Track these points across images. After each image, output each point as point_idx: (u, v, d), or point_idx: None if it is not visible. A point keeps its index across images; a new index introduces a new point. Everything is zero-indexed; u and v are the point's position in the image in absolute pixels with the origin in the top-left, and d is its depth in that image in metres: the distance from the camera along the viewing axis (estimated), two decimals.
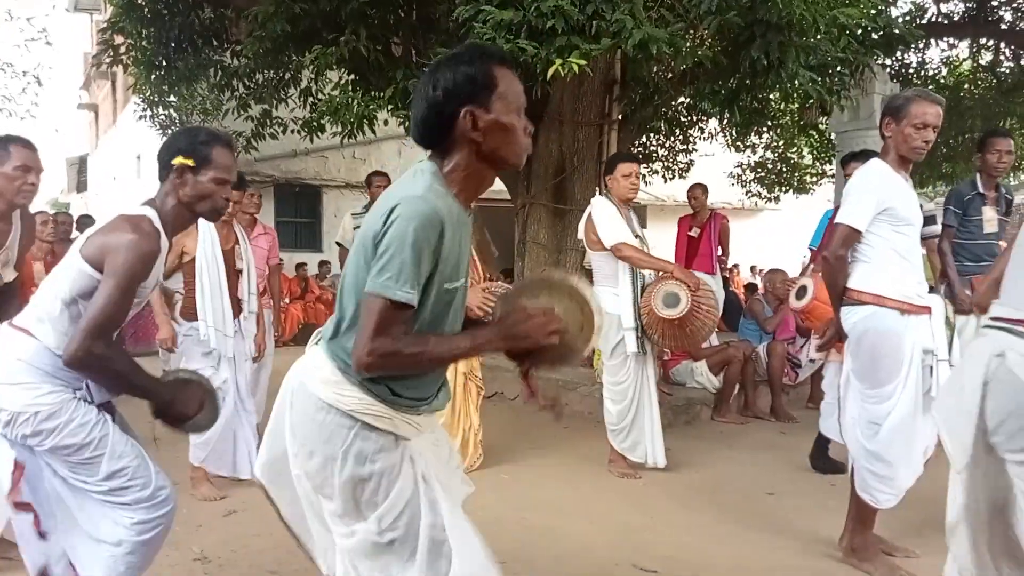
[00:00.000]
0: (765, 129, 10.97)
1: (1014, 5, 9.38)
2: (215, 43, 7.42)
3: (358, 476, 1.58)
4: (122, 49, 7.62)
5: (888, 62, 8.85)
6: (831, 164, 11.73)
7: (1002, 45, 9.99)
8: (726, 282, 12.19)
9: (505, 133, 1.56)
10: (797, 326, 5.74)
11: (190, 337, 3.82)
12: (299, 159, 12.25)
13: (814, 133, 11.69)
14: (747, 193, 13.48)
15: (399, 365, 1.54)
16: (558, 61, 4.36)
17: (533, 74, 4.65)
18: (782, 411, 5.63)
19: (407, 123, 5.96)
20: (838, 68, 5.85)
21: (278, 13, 5.67)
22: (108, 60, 7.82)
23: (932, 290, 3.11)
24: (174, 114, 9.77)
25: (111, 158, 19.13)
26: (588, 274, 7.00)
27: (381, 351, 1.48)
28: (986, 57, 10.60)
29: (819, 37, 5.15)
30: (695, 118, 9.94)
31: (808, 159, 12.78)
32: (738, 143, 11.76)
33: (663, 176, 11.08)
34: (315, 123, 6.67)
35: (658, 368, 4.94)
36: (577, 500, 3.80)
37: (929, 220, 4.62)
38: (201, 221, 3.91)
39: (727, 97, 6.22)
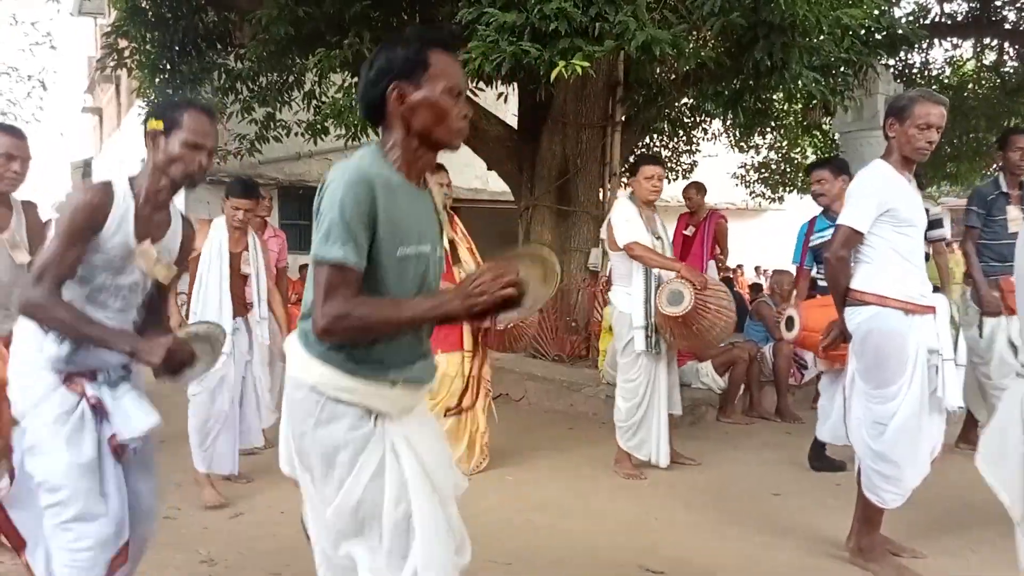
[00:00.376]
0: (769, 130, 10.97)
1: (1018, 5, 9.36)
2: (219, 47, 7.44)
3: (326, 450, 1.59)
4: (126, 53, 7.64)
5: (892, 62, 8.85)
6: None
7: (1006, 45, 9.97)
8: (729, 282, 12.20)
9: (435, 112, 1.59)
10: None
11: None
12: (303, 162, 12.26)
13: (818, 133, 11.68)
14: (751, 194, 13.48)
15: (355, 328, 1.54)
16: (561, 63, 4.37)
17: (537, 76, 4.66)
18: (787, 411, 5.62)
19: None
20: (841, 69, 5.85)
21: (281, 16, 5.69)
22: (112, 64, 7.84)
23: (937, 290, 3.11)
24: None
25: (116, 161, 19.20)
26: (593, 275, 7.07)
27: (332, 314, 1.51)
28: (990, 57, 10.58)
29: (822, 38, 5.15)
30: (698, 119, 9.94)
31: (812, 159, 12.77)
32: (742, 144, 11.77)
33: (667, 177, 11.07)
34: (319, 126, 6.69)
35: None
36: (582, 501, 3.80)
37: (935, 223, 4.60)
38: (215, 222, 3.99)
39: (730, 98, 6.21)
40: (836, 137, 9.86)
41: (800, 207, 14.65)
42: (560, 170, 7.09)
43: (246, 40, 6.69)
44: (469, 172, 11.61)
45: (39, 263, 1.96)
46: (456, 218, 4.29)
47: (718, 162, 12.81)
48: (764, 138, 11.88)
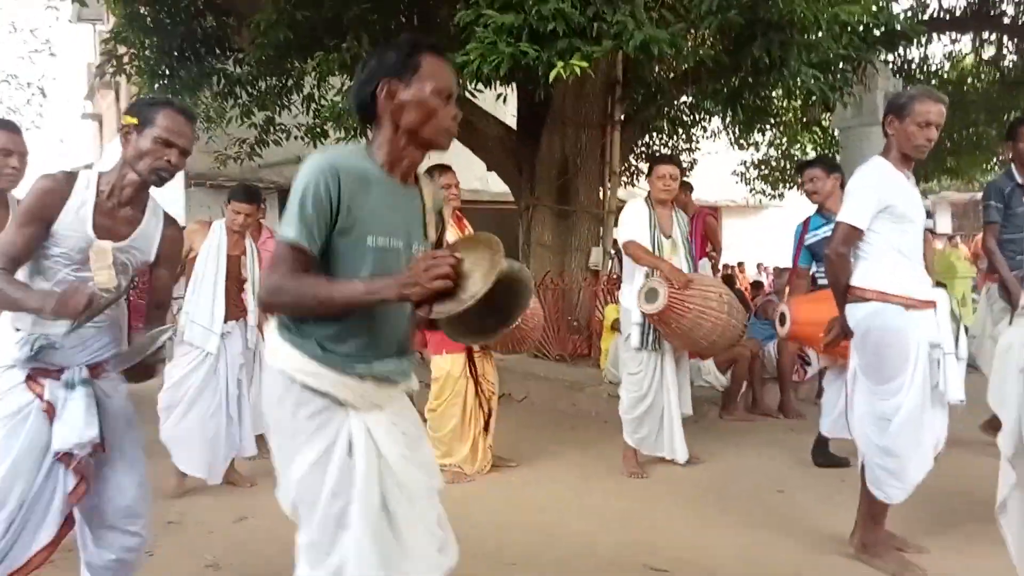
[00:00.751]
0: (768, 127, 10.96)
1: None
2: (218, 51, 7.46)
3: (284, 431, 1.64)
4: (125, 59, 7.66)
5: (890, 58, 8.84)
6: (836, 159, 11.71)
7: (1005, 39, 9.96)
8: (731, 280, 12.19)
9: (423, 111, 1.64)
10: None
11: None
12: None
13: (817, 130, 11.67)
14: (751, 191, 13.47)
15: (287, 302, 1.60)
16: (560, 64, 4.38)
17: (535, 77, 4.66)
18: (790, 408, 5.61)
19: None
20: (840, 65, 5.85)
21: (280, 20, 5.70)
22: (111, 70, 7.87)
23: (940, 285, 3.11)
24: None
25: None
26: (594, 274, 7.07)
27: (269, 286, 1.59)
28: (989, 51, 10.57)
29: (821, 34, 5.15)
30: (698, 117, 9.94)
31: (812, 156, 12.76)
32: (741, 141, 11.75)
33: None
34: (318, 129, 6.71)
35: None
36: (585, 500, 3.80)
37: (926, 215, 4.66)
38: (215, 224, 4.00)
39: (729, 96, 6.22)
40: (836, 133, 9.85)
41: (801, 204, 14.65)
42: (560, 170, 7.09)
43: (245, 44, 6.71)
44: (469, 173, 11.55)
45: None
46: (464, 220, 4.30)
47: (718, 160, 12.80)
48: (764, 135, 11.87)
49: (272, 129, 7.87)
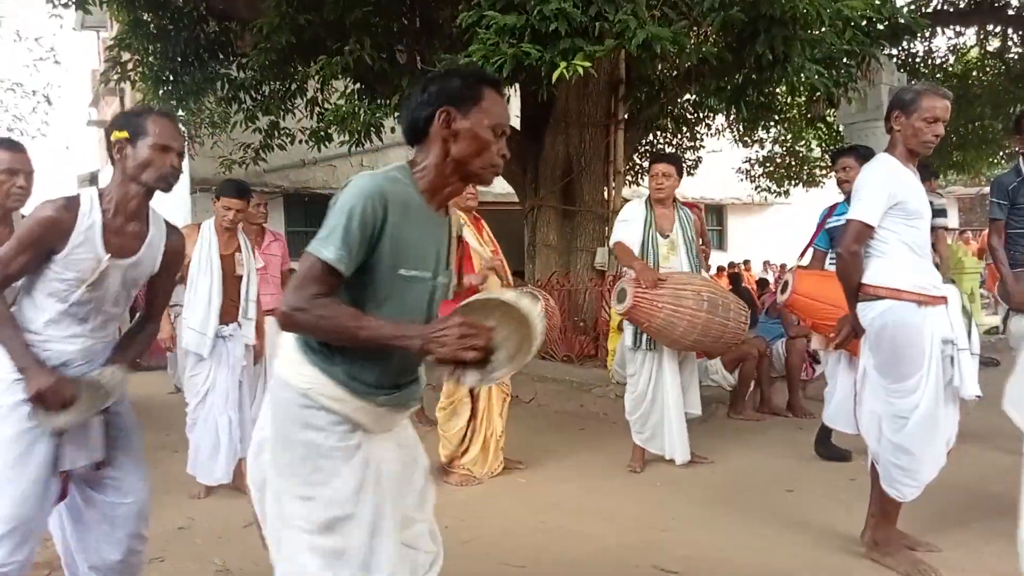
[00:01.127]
0: (772, 123, 10.92)
1: None
2: (221, 56, 7.48)
3: (309, 454, 1.60)
4: (129, 66, 7.69)
5: (894, 52, 8.80)
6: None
7: (1010, 31, 9.90)
8: (736, 278, 12.16)
9: (476, 144, 1.63)
10: None
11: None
12: (307, 169, 12.31)
13: (822, 126, 11.63)
14: (756, 188, 13.43)
15: (307, 325, 1.55)
16: (562, 64, 4.37)
17: (538, 77, 4.65)
18: (799, 407, 5.59)
19: None
20: (844, 60, 5.83)
21: (283, 25, 5.71)
22: (116, 77, 7.90)
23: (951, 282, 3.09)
24: (182, 128, 9.82)
25: None
26: (600, 275, 7.06)
27: (293, 303, 1.52)
28: (994, 44, 10.51)
29: (824, 30, 5.13)
30: (701, 115, 9.92)
31: (816, 152, 12.72)
32: (746, 138, 11.72)
33: None
34: (322, 133, 6.71)
35: None
36: (595, 501, 3.79)
37: (939, 213, 4.74)
38: (203, 226, 3.96)
39: (733, 93, 6.20)
40: (841, 129, 9.82)
41: (806, 200, 14.64)
42: (564, 170, 7.08)
43: (248, 49, 6.72)
44: None
45: None
46: (482, 222, 4.30)
47: (722, 157, 12.77)
48: (768, 132, 11.83)
49: (276, 133, 7.88)
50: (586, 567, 3.01)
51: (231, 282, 3.95)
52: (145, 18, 7.22)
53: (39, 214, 2.01)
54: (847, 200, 4.43)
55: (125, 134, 2.07)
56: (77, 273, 2.05)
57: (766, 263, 17.10)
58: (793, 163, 12.61)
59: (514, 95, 6.58)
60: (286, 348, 1.67)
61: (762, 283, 11.85)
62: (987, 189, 5.91)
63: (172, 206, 12.52)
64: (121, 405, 2.22)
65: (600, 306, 6.85)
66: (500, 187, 10.33)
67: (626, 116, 7.08)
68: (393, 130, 6.31)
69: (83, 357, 2.12)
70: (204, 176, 11.21)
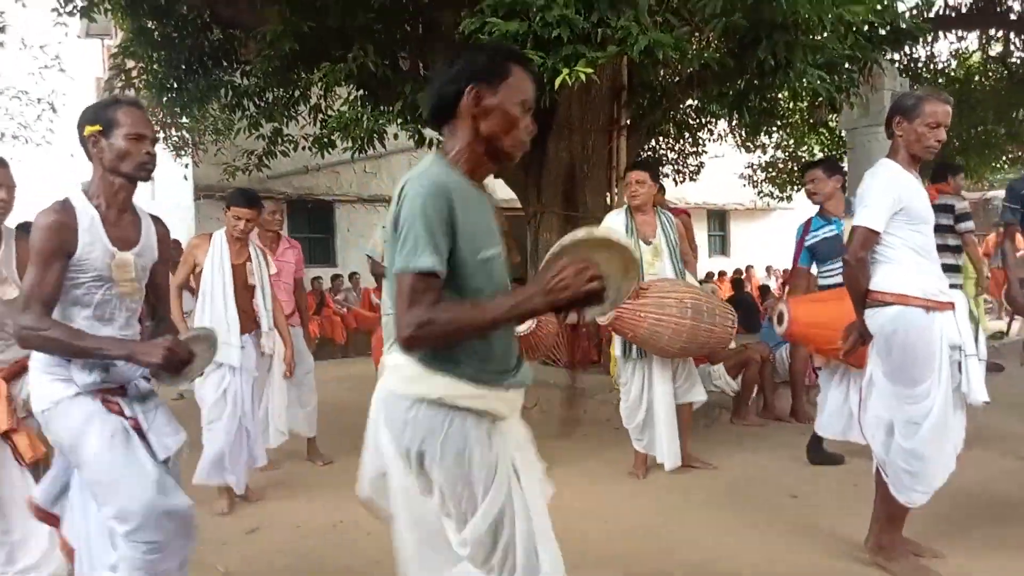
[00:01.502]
0: (775, 129, 10.94)
1: None
2: (225, 64, 7.50)
3: (455, 471, 1.58)
4: (134, 73, 7.73)
5: (897, 57, 8.81)
6: (843, 162, 11.66)
7: (1012, 36, 9.90)
8: (739, 284, 12.15)
9: (506, 120, 1.63)
10: None
11: None
12: (311, 175, 12.33)
13: (824, 131, 11.64)
14: (759, 193, 13.43)
15: (438, 334, 1.53)
16: (565, 70, 4.38)
17: (541, 84, 4.66)
18: (802, 413, 5.57)
19: (417, 136, 5.99)
20: (846, 65, 5.83)
21: (286, 32, 5.73)
22: (120, 84, 7.93)
23: (954, 286, 3.09)
24: (186, 135, 9.88)
25: None
26: None
27: (417, 322, 1.50)
28: (996, 48, 10.51)
29: (825, 35, 5.13)
30: (704, 120, 9.93)
31: (819, 157, 12.72)
32: (748, 144, 11.73)
33: (674, 180, 11.07)
34: (326, 139, 6.72)
35: None
36: (598, 507, 3.78)
37: (964, 217, 4.77)
38: (215, 236, 3.98)
39: (735, 98, 6.20)
40: (843, 134, 9.82)
41: (809, 205, 14.64)
42: (566, 176, 7.08)
43: (252, 57, 6.74)
44: None
45: (24, 292, 2.00)
46: None
47: (725, 163, 12.78)
48: (770, 137, 11.85)
49: (280, 140, 7.90)
50: (590, 572, 3.00)
51: (243, 291, 3.97)
52: (150, 26, 7.25)
53: (45, 222, 2.00)
54: (819, 213, 4.47)
55: (98, 127, 2.08)
56: (94, 272, 2.06)
57: (769, 268, 17.09)
58: (795, 168, 12.61)
59: None
60: (399, 367, 1.62)
61: (765, 289, 11.84)
62: (990, 194, 5.87)
63: (176, 213, 12.55)
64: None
65: None
66: (503, 193, 10.34)
67: (628, 122, 7.08)
68: (396, 136, 6.33)
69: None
70: (208, 183, 11.24)
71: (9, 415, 2.60)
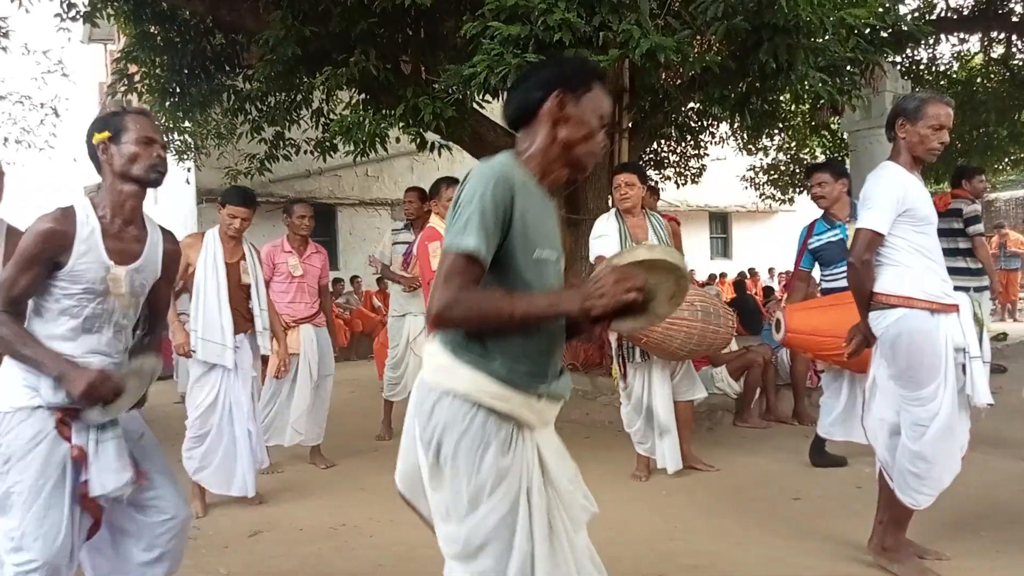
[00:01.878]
0: (777, 131, 10.92)
1: None
2: (227, 68, 7.52)
3: (466, 468, 1.55)
4: (136, 78, 7.74)
5: (898, 60, 8.81)
6: (845, 164, 11.66)
7: (1014, 38, 9.90)
8: (742, 286, 12.14)
9: (584, 130, 1.67)
10: None
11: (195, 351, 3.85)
12: (313, 179, 12.37)
13: (826, 133, 11.63)
14: (761, 196, 13.42)
15: (462, 318, 1.54)
16: None
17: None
18: (804, 415, 5.57)
19: (418, 140, 6.00)
20: (848, 68, 5.82)
21: (288, 36, 5.74)
22: (123, 89, 7.94)
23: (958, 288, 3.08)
24: (189, 140, 9.90)
25: None
26: None
27: (445, 299, 1.51)
28: (998, 50, 10.51)
29: (827, 38, 5.14)
30: (706, 123, 9.92)
31: (821, 159, 12.70)
32: (750, 146, 11.72)
33: (675, 182, 11.07)
34: (327, 143, 6.73)
35: None
36: (601, 511, 3.74)
37: (973, 220, 5.05)
38: (207, 235, 3.95)
39: (737, 101, 6.20)
40: (845, 136, 9.82)
41: (811, 208, 14.64)
42: (568, 178, 7.08)
43: (254, 61, 6.76)
44: None
45: None
46: None
47: (727, 165, 12.78)
48: (772, 140, 11.83)
49: (282, 144, 7.92)
50: None
51: (237, 291, 3.93)
52: (152, 31, 7.27)
53: (37, 227, 1.98)
54: (823, 216, 4.47)
55: (107, 134, 2.07)
56: (86, 284, 2.02)
57: (772, 271, 17.08)
58: (798, 171, 12.58)
59: None
60: (433, 355, 1.63)
61: (768, 291, 11.83)
62: (993, 195, 5.89)
63: (178, 217, 12.57)
64: (139, 423, 2.21)
65: None
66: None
67: (630, 125, 7.09)
68: (398, 140, 6.33)
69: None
70: (210, 187, 11.26)
71: None
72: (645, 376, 4.19)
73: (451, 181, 4.16)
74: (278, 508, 3.98)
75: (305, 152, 7.68)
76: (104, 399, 1.97)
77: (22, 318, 2.03)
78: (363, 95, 6.62)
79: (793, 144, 12.23)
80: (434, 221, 4.66)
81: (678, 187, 11.30)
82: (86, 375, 1.94)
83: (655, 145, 10.07)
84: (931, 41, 9.63)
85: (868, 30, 5.64)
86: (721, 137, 11.24)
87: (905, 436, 2.82)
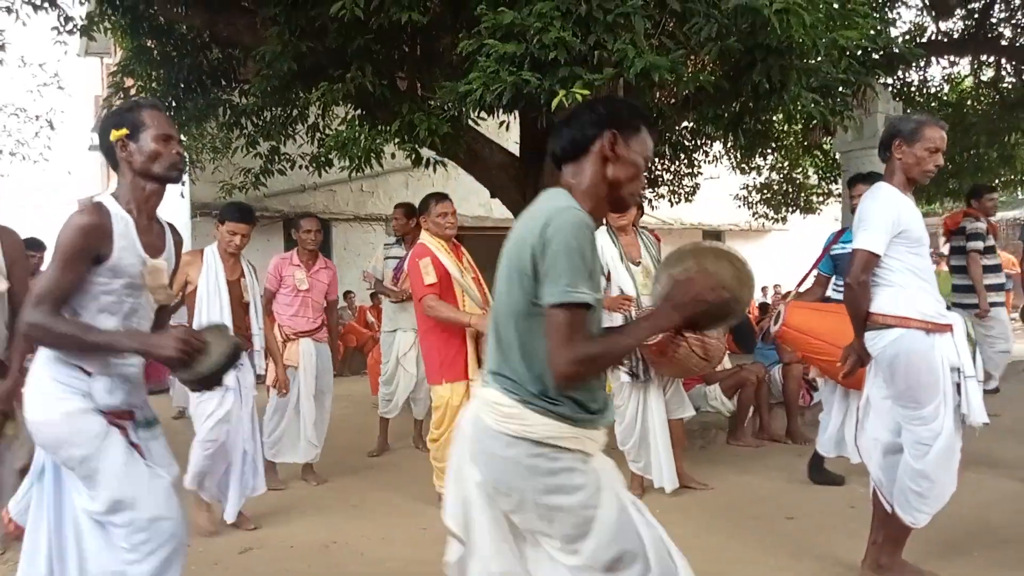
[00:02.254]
0: (770, 151, 11.01)
1: (1014, 21, 9.44)
2: (223, 83, 7.54)
3: (563, 506, 1.58)
4: (132, 91, 7.75)
5: (890, 81, 8.90)
6: (837, 184, 11.74)
7: (1003, 61, 10.03)
8: None
9: (631, 170, 1.72)
10: None
11: None
12: (308, 194, 12.36)
13: (819, 153, 11.72)
14: (754, 214, 13.49)
15: (596, 367, 1.59)
16: (561, 92, 4.41)
17: (537, 105, 4.70)
18: (798, 433, 5.57)
19: (413, 156, 6.02)
20: (840, 89, 5.88)
21: (285, 52, 5.76)
22: (119, 102, 7.95)
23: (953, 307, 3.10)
24: (184, 153, 9.91)
25: None
26: None
27: (579, 357, 1.52)
28: (988, 74, 10.64)
29: (819, 59, 5.19)
30: (699, 142, 9.98)
31: (814, 179, 12.80)
32: (743, 165, 11.80)
33: (670, 200, 11.13)
34: (323, 158, 6.74)
35: None
36: None
37: (972, 236, 5.40)
38: (207, 252, 3.93)
39: (730, 120, 6.25)
40: (837, 156, 9.90)
41: (803, 227, 14.73)
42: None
43: (250, 76, 6.78)
44: (473, 199, 11.68)
45: (38, 288, 1.92)
46: (462, 248, 4.30)
47: (720, 184, 12.85)
48: (765, 159, 11.91)
49: (277, 159, 7.92)
50: None
51: (238, 308, 3.89)
52: (149, 45, 7.29)
53: (76, 223, 1.92)
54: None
55: (125, 131, 2.03)
56: (127, 279, 2.00)
57: (764, 289, 17.13)
58: (790, 190, 12.67)
59: (514, 122, 6.62)
60: (495, 403, 1.62)
61: (762, 308, 11.84)
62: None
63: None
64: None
65: None
66: (499, 212, 10.39)
67: None
68: (393, 155, 6.35)
69: (138, 378, 2.10)
70: (204, 201, 11.25)
71: None
72: (641, 394, 4.18)
73: (440, 197, 4.16)
74: (269, 525, 3.94)
75: (300, 167, 7.69)
76: (197, 352, 1.93)
77: None
78: (359, 111, 6.64)
79: (786, 164, 12.32)
80: (424, 237, 4.66)
81: (672, 205, 11.35)
82: (170, 335, 1.92)
83: (649, 163, 10.13)
84: (922, 64, 9.74)
85: (860, 52, 5.70)
86: (715, 156, 11.31)
87: (908, 455, 2.82)
